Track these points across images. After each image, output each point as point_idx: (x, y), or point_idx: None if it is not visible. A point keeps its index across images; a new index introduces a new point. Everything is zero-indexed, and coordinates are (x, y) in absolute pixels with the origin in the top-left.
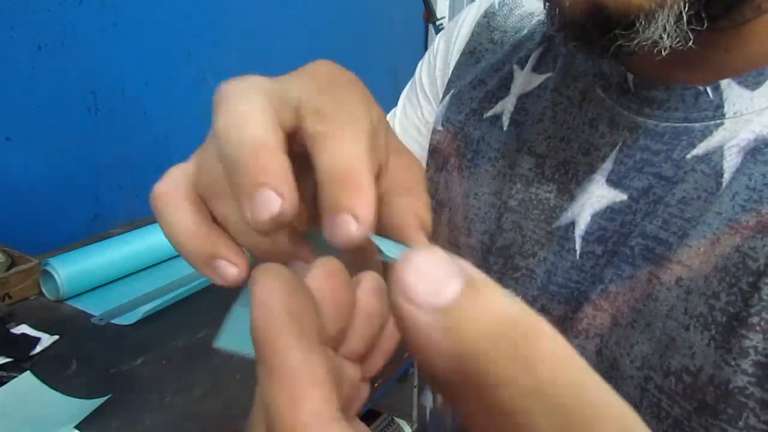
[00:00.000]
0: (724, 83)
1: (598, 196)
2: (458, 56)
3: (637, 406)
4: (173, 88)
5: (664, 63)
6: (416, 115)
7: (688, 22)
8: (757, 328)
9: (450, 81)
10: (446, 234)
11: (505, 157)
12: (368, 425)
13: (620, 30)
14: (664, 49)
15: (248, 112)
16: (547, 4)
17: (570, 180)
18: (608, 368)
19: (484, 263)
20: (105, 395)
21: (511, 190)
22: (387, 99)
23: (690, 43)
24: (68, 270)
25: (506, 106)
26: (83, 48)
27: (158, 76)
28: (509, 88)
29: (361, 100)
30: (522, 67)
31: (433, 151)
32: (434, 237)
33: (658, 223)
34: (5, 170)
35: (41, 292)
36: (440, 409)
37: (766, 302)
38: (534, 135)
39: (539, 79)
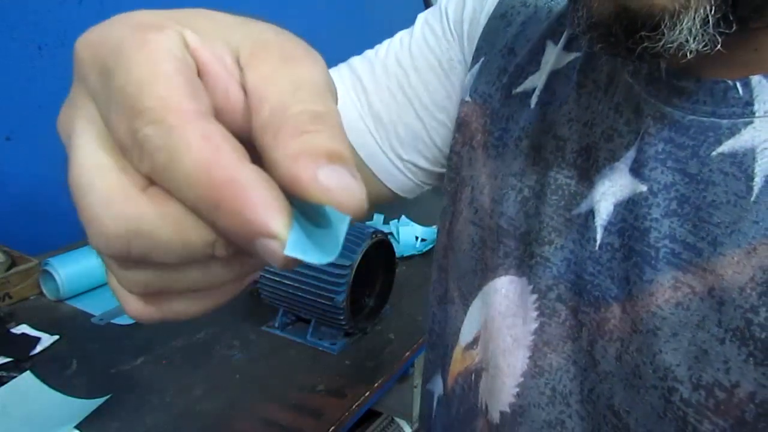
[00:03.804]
0: (755, 79)
1: (621, 185)
2: (487, 19)
3: (660, 417)
4: None
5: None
6: (439, 49)
7: (715, 25)
8: None
9: (479, 47)
10: (468, 213)
11: (529, 137)
12: (368, 425)
13: (645, 32)
14: (690, 52)
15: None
16: (571, 5)
17: (591, 166)
18: (629, 375)
19: (505, 247)
20: (105, 395)
21: (532, 173)
22: None
23: (718, 47)
24: (68, 270)
25: (536, 84)
26: None
27: None
28: (539, 63)
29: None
30: (555, 43)
31: (461, 124)
32: (454, 214)
33: (687, 227)
34: (5, 170)
35: (41, 292)
36: (449, 394)
37: None
38: (558, 117)
39: (569, 57)
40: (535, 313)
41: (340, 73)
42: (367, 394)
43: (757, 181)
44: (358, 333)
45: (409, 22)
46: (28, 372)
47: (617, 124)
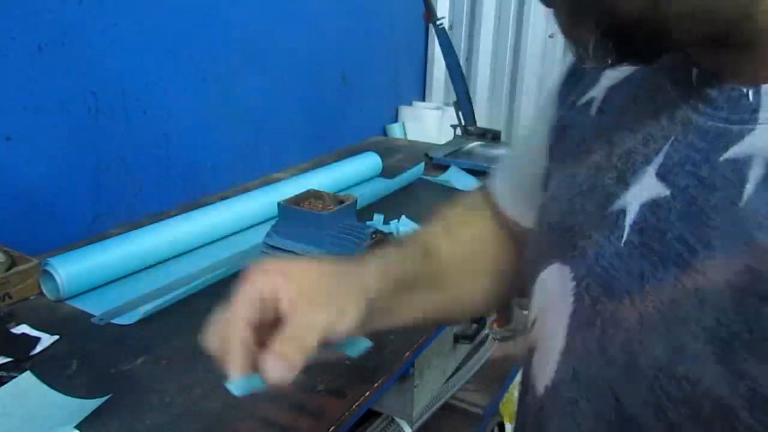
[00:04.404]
0: (765, 88)
1: (648, 187)
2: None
3: (646, 403)
4: (173, 88)
5: (725, 62)
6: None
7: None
8: (756, 354)
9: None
10: (539, 214)
11: (586, 142)
12: (368, 425)
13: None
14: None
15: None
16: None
17: (628, 169)
18: (627, 363)
19: (558, 239)
20: (105, 395)
21: (583, 174)
22: (387, 98)
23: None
24: (68, 270)
25: (596, 95)
26: (83, 48)
27: (158, 76)
28: (599, 80)
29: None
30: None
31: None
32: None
33: (689, 228)
34: (5, 170)
35: (41, 292)
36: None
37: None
38: (612, 123)
39: (628, 70)
40: (571, 299)
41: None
42: (367, 394)
43: (748, 188)
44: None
45: (409, 23)
46: (28, 372)
47: (654, 129)
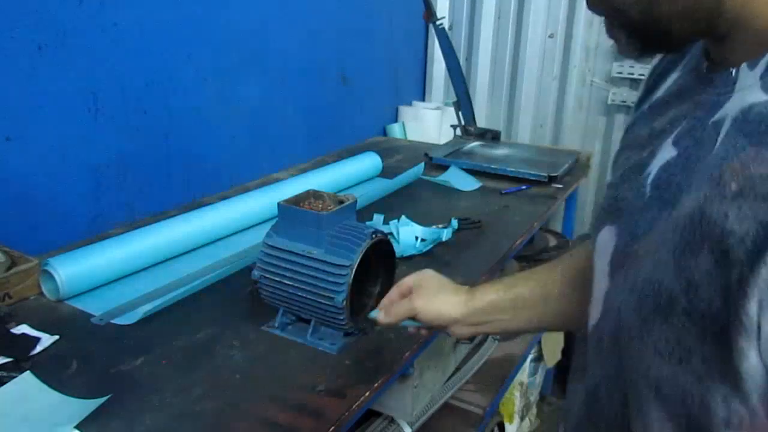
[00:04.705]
0: (743, 66)
1: (666, 153)
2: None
3: (635, 310)
4: (173, 88)
5: (728, 53)
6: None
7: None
8: (694, 255)
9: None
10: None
11: (638, 132)
12: (368, 425)
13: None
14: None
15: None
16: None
17: (658, 144)
18: (631, 285)
19: (606, 208)
20: (105, 395)
21: (631, 153)
22: (387, 98)
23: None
24: (68, 270)
25: (656, 97)
26: (83, 48)
27: (158, 76)
28: (662, 86)
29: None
30: (678, 66)
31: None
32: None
33: (684, 176)
34: (5, 170)
35: (41, 292)
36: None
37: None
38: (655, 113)
39: (675, 75)
40: (611, 249)
41: None
42: (367, 394)
43: (719, 139)
44: (358, 333)
45: (409, 23)
46: (28, 372)
47: (678, 112)
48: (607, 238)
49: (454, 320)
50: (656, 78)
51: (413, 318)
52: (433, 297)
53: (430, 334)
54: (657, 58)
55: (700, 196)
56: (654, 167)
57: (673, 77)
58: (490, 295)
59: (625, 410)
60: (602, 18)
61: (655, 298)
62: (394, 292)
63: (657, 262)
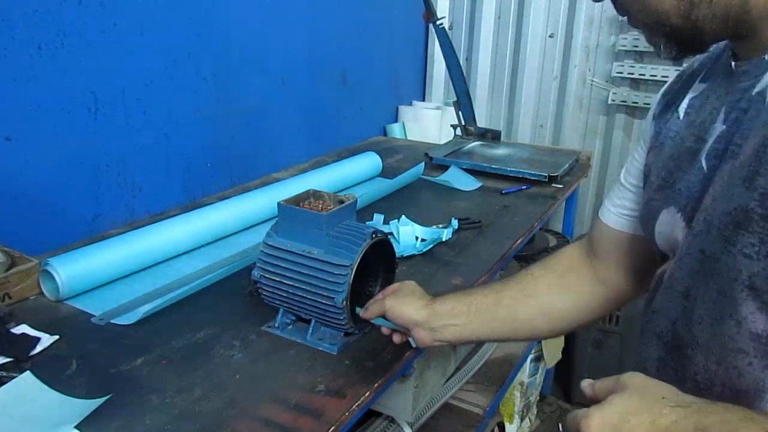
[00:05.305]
0: None
1: (715, 131)
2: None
3: (718, 235)
4: (173, 87)
5: (751, 50)
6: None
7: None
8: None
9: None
10: (645, 191)
11: (675, 132)
12: (368, 425)
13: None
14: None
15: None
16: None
17: (704, 131)
18: (695, 253)
19: (659, 195)
20: (105, 395)
21: (674, 147)
22: (387, 98)
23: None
24: (68, 270)
25: (682, 105)
26: (83, 48)
27: (158, 76)
28: (686, 96)
29: None
30: (695, 82)
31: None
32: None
33: (737, 134)
34: (5, 170)
35: (41, 292)
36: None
37: None
38: (692, 114)
39: (702, 86)
40: (682, 223)
41: None
42: (367, 394)
43: (767, 100)
44: (358, 333)
45: (409, 23)
46: (28, 372)
47: (716, 104)
48: (668, 219)
49: (414, 322)
50: (667, 103)
51: (384, 317)
52: (401, 299)
53: (402, 341)
54: (665, 86)
55: (760, 135)
56: (706, 145)
57: (691, 94)
58: (449, 301)
59: (712, 327)
60: (624, 20)
61: (734, 218)
62: (379, 294)
63: (729, 196)
